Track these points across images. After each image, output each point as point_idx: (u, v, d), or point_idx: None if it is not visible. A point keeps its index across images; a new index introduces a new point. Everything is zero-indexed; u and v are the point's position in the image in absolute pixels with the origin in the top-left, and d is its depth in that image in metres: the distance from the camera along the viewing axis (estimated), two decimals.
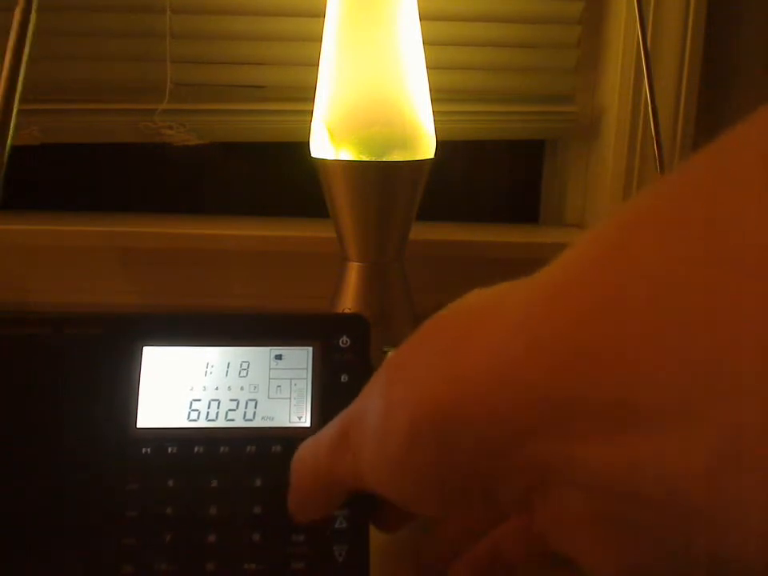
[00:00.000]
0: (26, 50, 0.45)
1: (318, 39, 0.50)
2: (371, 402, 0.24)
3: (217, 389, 0.32)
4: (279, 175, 0.75)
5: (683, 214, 0.16)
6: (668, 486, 0.17)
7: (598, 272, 0.18)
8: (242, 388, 0.32)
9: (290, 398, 0.32)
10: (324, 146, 0.49)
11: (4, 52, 0.45)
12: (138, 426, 0.31)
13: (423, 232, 0.59)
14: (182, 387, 0.32)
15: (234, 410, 0.32)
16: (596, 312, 0.17)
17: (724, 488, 0.16)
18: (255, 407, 0.32)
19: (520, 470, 0.20)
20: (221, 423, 0.31)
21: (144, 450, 0.31)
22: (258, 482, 0.30)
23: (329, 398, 0.31)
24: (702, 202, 0.16)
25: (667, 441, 0.16)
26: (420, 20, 0.50)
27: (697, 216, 0.16)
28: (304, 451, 0.28)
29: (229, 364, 0.32)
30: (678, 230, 0.16)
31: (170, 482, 0.30)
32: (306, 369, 0.32)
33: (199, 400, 0.32)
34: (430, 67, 0.51)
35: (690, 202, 0.16)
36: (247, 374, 0.32)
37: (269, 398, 0.32)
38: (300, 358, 0.32)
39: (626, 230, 0.18)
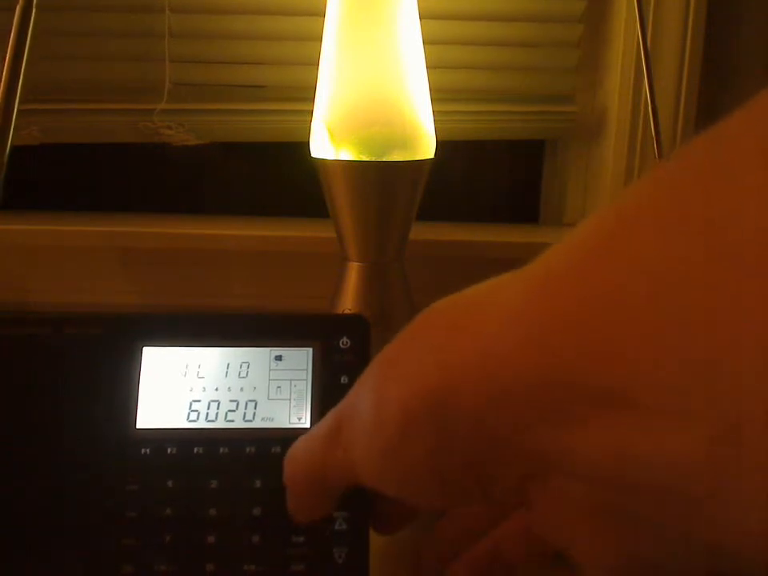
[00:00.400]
0: (26, 50, 0.45)
1: (318, 39, 0.50)
2: (363, 397, 0.24)
3: (216, 389, 0.32)
4: (279, 175, 0.75)
5: (683, 208, 0.16)
6: (668, 480, 0.17)
7: (598, 265, 0.18)
8: (241, 389, 0.32)
9: (290, 399, 0.32)
10: (324, 145, 0.49)
11: (4, 52, 0.45)
12: (137, 427, 0.31)
13: (423, 232, 0.59)
14: (181, 388, 0.32)
15: (234, 410, 0.32)
16: (595, 306, 0.17)
17: (724, 487, 0.16)
18: (255, 408, 0.32)
19: (518, 459, 0.20)
20: (220, 424, 0.31)
21: (144, 451, 0.31)
22: (258, 483, 0.30)
23: (329, 399, 0.31)
24: (701, 195, 0.16)
25: (667, 436, 0.16)
26: (420, 19, 0.50)
27: (696, 211, 0.16)
28: (296, 450, 0.28)
29: (228, 365, 0.32)
30: (677, 226, 0.16)
31: (170, 483, 0.30)
32: (306, 370, 0.32)
33: (199, 401, 0.32)
34: (430, 67, 0.51)
35: (689, 194, 0.16)
36: (247, 374, 0.32)
37: (268, 398, 0.32)
38: (300, 359, 0.32)
39: (626, 221, 0.18)
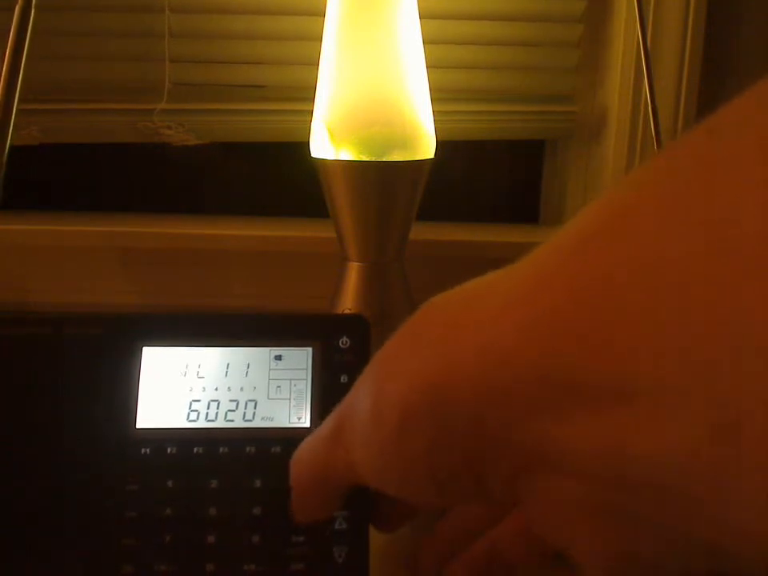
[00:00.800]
0: (26, 50, 0.45)
1: (318, 39, 0.50)
2: (362, 395, 0.24)
3: (216, 389, 0.32)
4: (279, 175, 0.75)
5: (682, 203, 0.16)
6: (667, 479, 0.16)
7: (595, 258, 0.18)
8: (241, 388, 0.32)
9: (290, 399, 0.32)
10: (324, 145, 0.49)
11: (4, 52, 0.45)
12: (137, 427, 0.31)
13: (423, 232, 0.59)
14: (181, 387, 0.32)
15: (234, 410, 0.32)
16: (593, 301, 0.17)
17: (724, 487, 0.16)
18: (255, 408, 0.32)
19: (517, 456, 0.20)
20: (220, 424, 0.31)
21: (143, 451, 0.31)
22: (258, 483, 0.30)
23: (328, 398, 0.31)
24: (702, 190, 0.16)
25: (666, 435, 0.16)
26: (420, 18, 0.50)
27: (696, 206, 0.16)
28: (300, 451, 0.28)
29: (228, 364, 0.32)
30: (677, 220, 0.16)
31: (170, 483, 0.30)
32: (306, 369, 0.32)
33: (199, 400, 0.32)
34: (430, 67, 0.51)
35: (689, 190, 0.16)
36: (247, 374, 0.32)
37: (268, 398, 0.32)
38: (300, 359, 0.32)
39: (624, 213, 0.18)
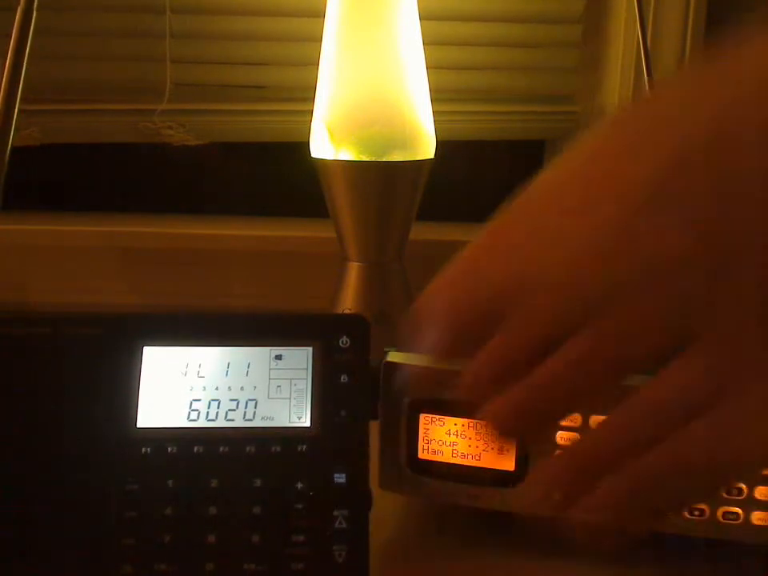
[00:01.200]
0: (27, 51, 0.45)
1: (318, 39, 0.51)
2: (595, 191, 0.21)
3: (217, 389, 0.32)
4: (279, 175, 0.75)
5: None
6: None
7: None
8: (241, 388, 0.32)
9: (290, 398, 0.32)
10: (324, 145, 0.49)
11: (3, 52, 0.45)
12: (138, 426, 0.31)
13: (423, 232, 0.59)
14: (181, 387, 0.32)
15: (234, 410, 0.32)
16: None
17: None
18: (255, 407, 0.32)
19: None
20: (221, 423, 0.31)
21: (144, 450, 0.31)
22: (258, 482, 0.30)
23: (329, 397, 0.31)
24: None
25: None
26: (420, 20, 0.50)
27: None
28: (438, 281, 0.25)
29: (229, 364, 0.32)
30: None
31: (170, 482, 0.30)
32: (306, 369, 0.32)
33: (199, 400, 0.32)
34: (431, 67, 0.51)
35: None
36: (247, 374, 0.32)
37: (269, 398, 0.32)
38: (300, 358, 0.32)
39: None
